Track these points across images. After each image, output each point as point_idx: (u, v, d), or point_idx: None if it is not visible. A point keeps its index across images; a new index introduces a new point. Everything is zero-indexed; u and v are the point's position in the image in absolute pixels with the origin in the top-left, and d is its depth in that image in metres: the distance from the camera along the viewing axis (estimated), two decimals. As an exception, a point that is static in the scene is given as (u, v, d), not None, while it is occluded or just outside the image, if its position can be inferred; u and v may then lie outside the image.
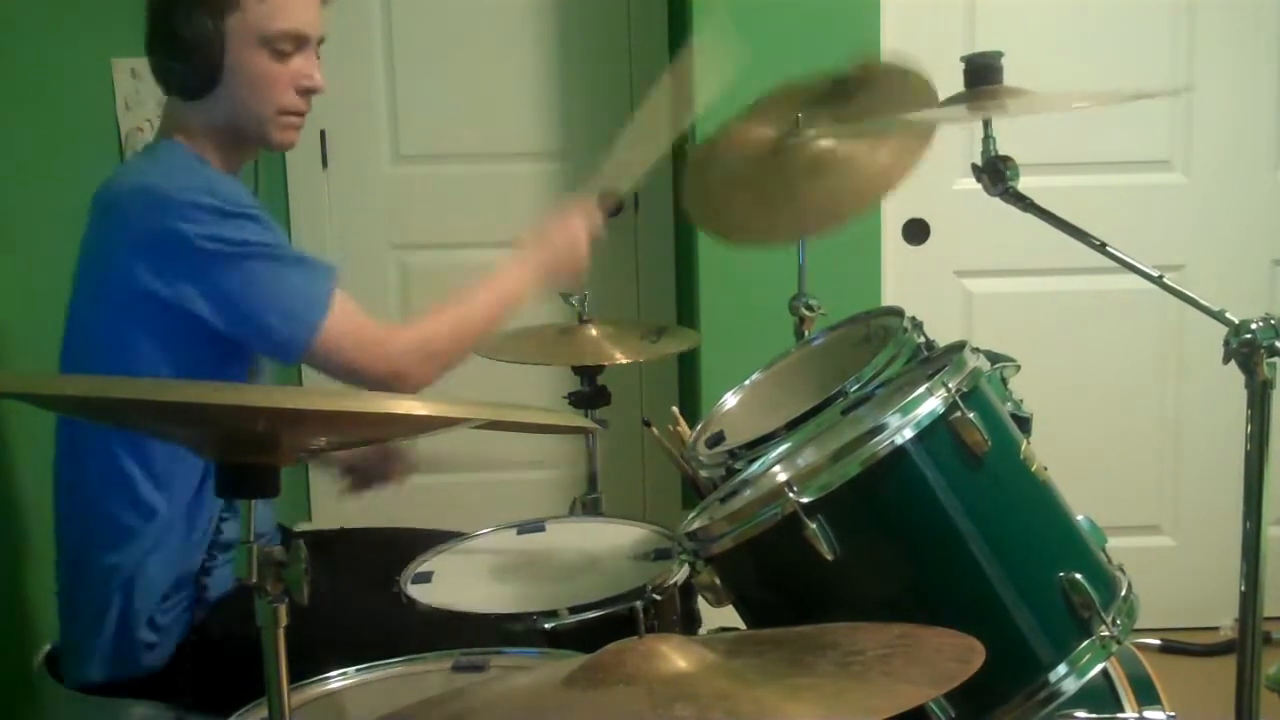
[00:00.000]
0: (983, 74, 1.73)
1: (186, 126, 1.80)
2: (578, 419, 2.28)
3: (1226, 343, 1.54)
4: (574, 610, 1.77)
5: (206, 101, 1.77)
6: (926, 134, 2.16)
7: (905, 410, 1.42)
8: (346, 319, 1.76)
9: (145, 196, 1.70)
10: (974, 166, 1.76)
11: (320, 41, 1.84)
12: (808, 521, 1.38)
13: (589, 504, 2.45)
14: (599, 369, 2.44)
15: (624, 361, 2.38)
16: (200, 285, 1.68)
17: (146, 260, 1.68)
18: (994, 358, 1.86)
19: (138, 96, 2.49)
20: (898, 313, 1.91)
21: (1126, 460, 3.20)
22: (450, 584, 1.91)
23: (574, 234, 2.02)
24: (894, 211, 3.11)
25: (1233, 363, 1.55)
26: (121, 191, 1.74)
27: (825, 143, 2.15)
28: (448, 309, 1.87)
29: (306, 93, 1.82)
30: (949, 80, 1.79)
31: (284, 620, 1.08)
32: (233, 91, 1.76)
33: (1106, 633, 1.43)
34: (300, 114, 1.83)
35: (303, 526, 2.48)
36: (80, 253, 1.78)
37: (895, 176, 2.17)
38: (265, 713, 1.12)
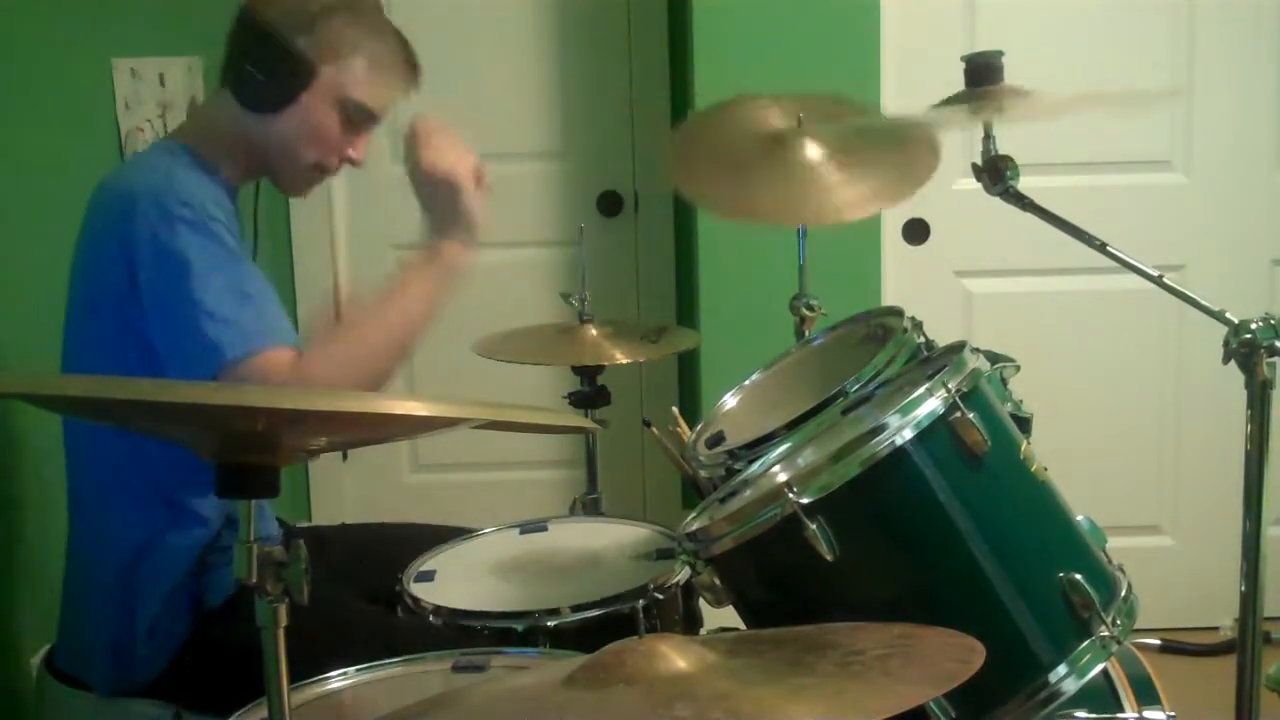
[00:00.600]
0: (983, 74, 1.73)
1: (216, 129, 1.80)
2: (578, 419, 2.29)
3: (1226, 343, 1.54)
4: (576, 609, 1.77)
5: (256, 117, 1.77)
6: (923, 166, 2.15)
7: (905, 410, 1.42)
8: (261, 373, 1.62)
9: (122, 199, 1.70)
10: (974, 166, 1.76)
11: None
12: (808, 522, 1.38)
13: (589, 504, 2.46)
14: (599, 369, 2.44)
15: (624, 361, 2.39)
16: (144, 289, 1.65)
17: (121, 263, 1.67)
18: (994, 358, 1.86)
19: (138, 96, 2.49)
20: (898, 313, 1.91)
21: (1126, 460, 3.20)
22: (453, 583, 1.91)
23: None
24: (894, 211, 3.11)
25: (1232, 363, 1.55)
26: (107, 194, 1.74)
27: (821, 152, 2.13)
28: (353, 344, 1.71)
29: (346, 161, 1.84)
30: (949, 80, 1.79)
31: (284, 620, 1.08)
32: (287, 126, 1.77)
33: (1106, 633, 1.43)
34: (327, 173, 1.85)
35: (302, 524, 2.49)
36: (74, 253, 1.78)
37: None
38: (265, 713, 1.12)
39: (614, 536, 2.08)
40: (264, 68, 1.74)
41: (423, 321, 1.74)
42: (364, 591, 1.96)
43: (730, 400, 2.06)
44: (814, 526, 1.38)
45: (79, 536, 1.83)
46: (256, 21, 1.75)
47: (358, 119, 1.81)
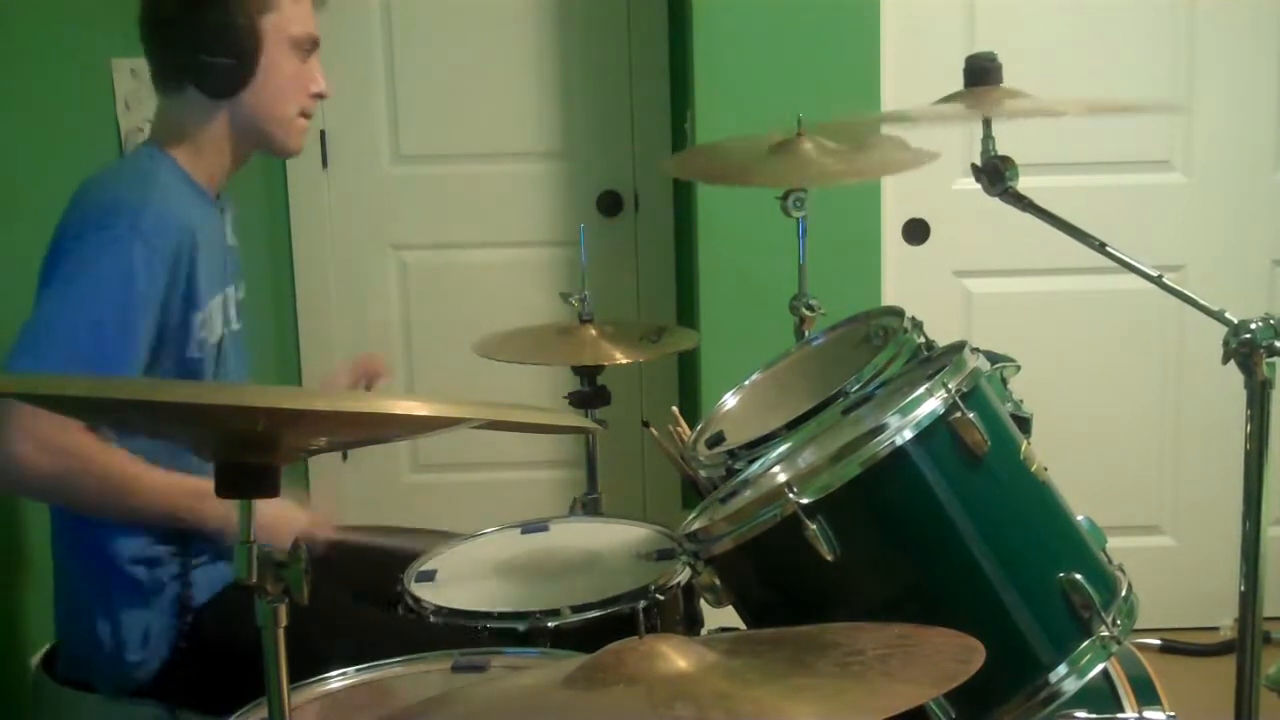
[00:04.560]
0: (982, 75, 1.73)
1: (189, 130, 1.80)
2: (578, 419, 2.28)
3: (1226, 343, 1.54)
4: (577, 609, 1.77)
5: (233, 101, 1.78)
6: None
7: (905, 410, 1.42)
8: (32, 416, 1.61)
9: (105, 210, 1.71)
10: (973, 166, 1.76)
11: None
12: (808, 522, 1.38)
13: (589, 504, 2.45)
14: (599, 369, 2.44)
15: (624, 361, 2.38)
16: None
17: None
18: (994, 358, 1.86)
19: (137, 96, 2.49)
20: (898, 313, 1.91)
21: (1126, 460, 3.20)
22: (454, 582, 1.91)
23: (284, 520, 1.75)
24: (894, 211, 3.11)
25: (1232, 363, 1.55)
26: (91, 198, 1.75)
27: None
28: (107, 463, 1.67)
29: (316, 97, 1.85)
30: (949, 80, 1.79)
31: (284, 620, 1.08)
32: (261, 91, 1.78)
33: (1106, 633, 1.43)
34: (309, 117, 1.86)
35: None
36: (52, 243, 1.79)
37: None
38: (265, 713, 1.12)
39: (614, 536, 2.08)
40: (218, 50, 1.74)
41: (128, 510, 1.69)
42: (364, 591, 1.96)
43: (730, 400, 2.06)
44: (814, 526, 1.38)
45: (60, 542, 1.83)
46: (174, 10, 1.75)
47: (306, 49, 1.82)
